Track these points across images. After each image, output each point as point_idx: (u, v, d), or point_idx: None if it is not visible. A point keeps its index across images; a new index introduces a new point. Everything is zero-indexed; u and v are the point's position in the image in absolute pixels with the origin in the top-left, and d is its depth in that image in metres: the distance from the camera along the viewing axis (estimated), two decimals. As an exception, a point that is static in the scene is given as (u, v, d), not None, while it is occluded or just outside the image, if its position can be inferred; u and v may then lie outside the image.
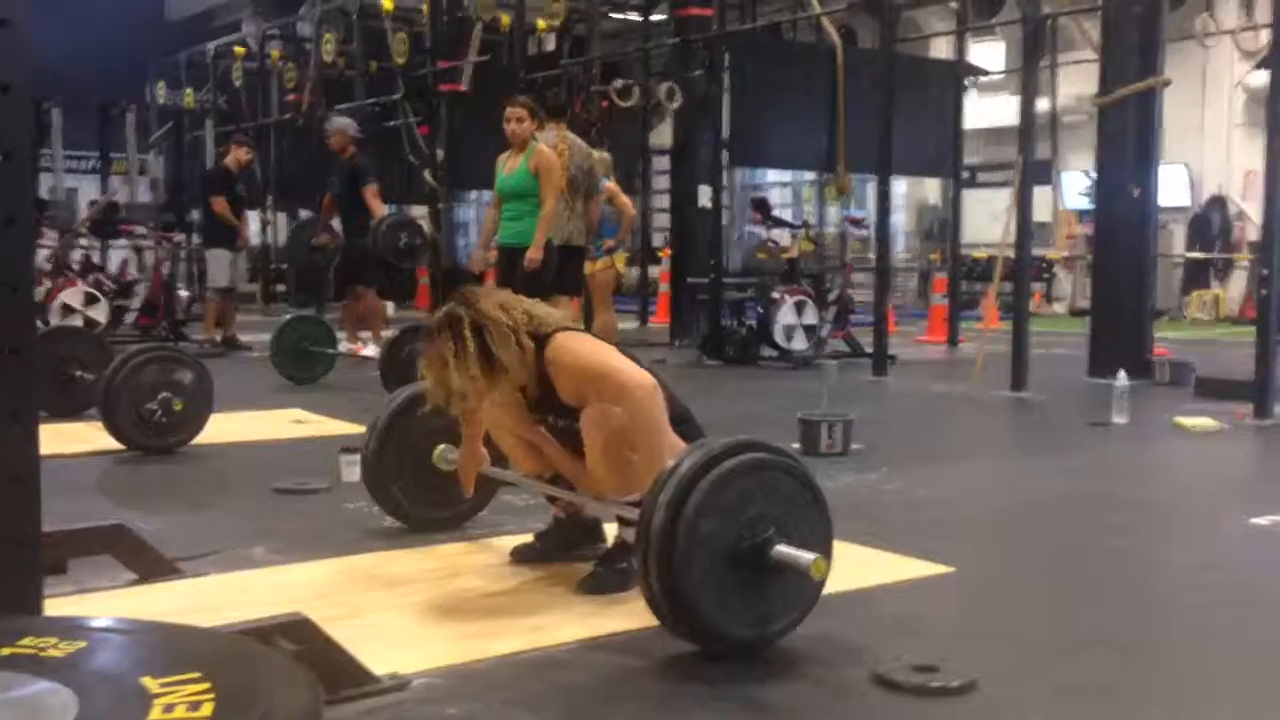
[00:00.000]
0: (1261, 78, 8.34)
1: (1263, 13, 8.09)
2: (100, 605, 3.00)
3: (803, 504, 2.75)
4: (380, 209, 9.28)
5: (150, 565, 3.24)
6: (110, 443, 5.29)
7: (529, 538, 3.56)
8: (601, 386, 3.08)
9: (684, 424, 3.29)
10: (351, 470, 4.59)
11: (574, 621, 2.93)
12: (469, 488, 3.60)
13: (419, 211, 16.80)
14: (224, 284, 10.33)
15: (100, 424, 5.33)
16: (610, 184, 8.93)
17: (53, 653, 1.46)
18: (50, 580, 2.74)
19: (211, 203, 10.20)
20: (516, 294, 3.49)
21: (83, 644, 1.49)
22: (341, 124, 9.63)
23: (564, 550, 3.49)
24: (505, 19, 13.43)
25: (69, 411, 6.12)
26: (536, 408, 3.31)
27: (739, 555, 2.63)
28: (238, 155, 10.49)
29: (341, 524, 4.01)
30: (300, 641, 2.30)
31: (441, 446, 3.72)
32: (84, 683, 1.39)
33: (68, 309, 10.11)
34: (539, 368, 3.16)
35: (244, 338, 10.53)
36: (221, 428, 5.62)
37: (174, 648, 1.55)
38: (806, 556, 2.61)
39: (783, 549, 2.63)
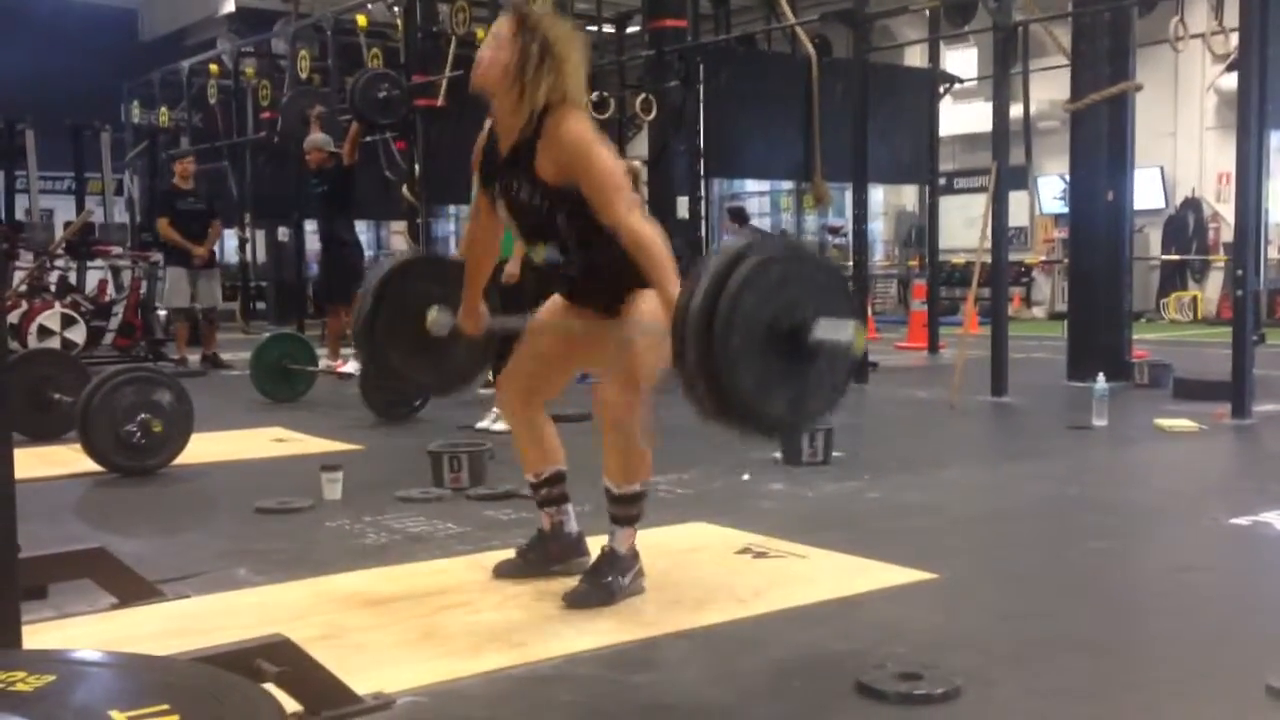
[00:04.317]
0: (1232, 80, 8.39)
1: (1232, 16, 8.15)
2: (81, 630, 2.99)
3: (836, 294, 2.80)
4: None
5: (131, 588, 3.22)
6: (89, 465, 5.26)
7: (512, 553, 3.55)
8: (592, 183, 3.04)
9: None
10: (333, 488, 4.59)
11: (558, 636, 2.93)
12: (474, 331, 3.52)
13: (398, 227, 16.71)
14: (178, 304, 10.26)
15: (79, 446, 5.30)
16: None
17: (21, 686, 1.44)
18: (30, 605, 2.72)
19: (157, 224, 10.29)
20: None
21: (51, 677, 1.48)
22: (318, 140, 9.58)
23: (548, 565, 3.48)
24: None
25: (47, 434, 6.09)
26: (506, 165, 3.19)
27: (778, 333, 2.65)
28: (180, 169, 10.48)
29: (324, 543, 4.00)
30: (282, 663, 2.29)
31: (434, 309, 3.51)
32: (52, 717, 1.38)
33: (45, 331, 10.06)
34: (538, 122, 3.10)
35: (224, 356, 10.49)
36: (202, 448, 5.59)
37: (142, 679, 1.53)
38: (847, 326, 2.66)
39: (823, 321, 2.67)
